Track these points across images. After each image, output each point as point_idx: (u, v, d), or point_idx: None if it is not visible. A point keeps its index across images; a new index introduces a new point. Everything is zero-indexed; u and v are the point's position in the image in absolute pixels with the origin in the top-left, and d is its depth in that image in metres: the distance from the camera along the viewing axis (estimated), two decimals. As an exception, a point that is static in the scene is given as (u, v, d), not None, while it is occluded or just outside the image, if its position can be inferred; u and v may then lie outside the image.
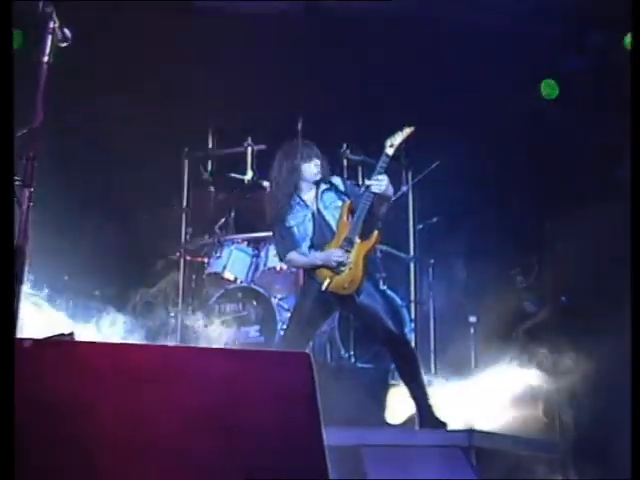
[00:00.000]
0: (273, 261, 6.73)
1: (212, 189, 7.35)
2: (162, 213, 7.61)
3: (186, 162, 7.47)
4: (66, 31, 3.41)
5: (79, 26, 3.49)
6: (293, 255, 5.28)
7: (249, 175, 7.16)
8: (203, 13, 7.42)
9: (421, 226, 7.66)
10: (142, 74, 7.29)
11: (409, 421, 5.76)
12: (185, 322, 6.67)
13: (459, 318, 7.42)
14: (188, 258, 7.20)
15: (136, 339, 6.11)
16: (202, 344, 6.17)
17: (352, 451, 4.62)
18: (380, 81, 7.68)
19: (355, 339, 6.35)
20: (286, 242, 5.31)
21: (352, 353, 6.37)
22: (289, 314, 5.73)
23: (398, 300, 6.71)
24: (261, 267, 6.85)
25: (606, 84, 6.87)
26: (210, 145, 7.44)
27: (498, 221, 7.46)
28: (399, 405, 5.89)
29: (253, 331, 6.52)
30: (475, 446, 4.79)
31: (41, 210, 3.30)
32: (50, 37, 3.38)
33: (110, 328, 6.15)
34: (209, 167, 7.44)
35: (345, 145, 7.28)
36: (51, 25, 3.37)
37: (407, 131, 5.23)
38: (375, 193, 5.05)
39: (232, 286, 6.76)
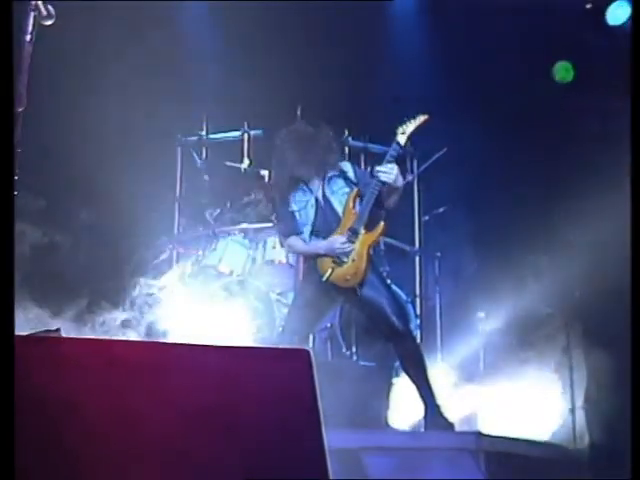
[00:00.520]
0: (271, 253, 6.74)
1: (206, 178, 7.34)
2: (153, 203, 7.60)
3: (179, 149, 7.47)
4: (50, 8, 3.32)
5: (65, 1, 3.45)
6: (294, 240, 5.29)
7: (245, 163, 7.16)
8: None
9: (427, 217, 7.66)
10: (132, 56, 7.29)
11: (414, 423, 5.77)
12: (178, 318, 6.67)
13: (467, 314, 7.42)
14: (181, 250, 7.20)
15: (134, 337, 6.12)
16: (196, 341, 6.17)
17: (354, 454, 4.62)
18: (384, 64, 7.68)
19: (357, 335, 6.36)
20: (287, 226, 5.33)
21: (354, 350, 6.37)
22: (288, 308, 5.74)
23: (403, 295, 6.71)
24: (259, 260, 6.85)
25: (625, 67, 6.84)
26: (204, 131, 7.44)
27: (509, 211, 7.45)
28: (404, 406, 5.90)
29: (251, 327, 6.52)
30: (484, 449, 4.79)
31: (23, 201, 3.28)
32: (32, 14, 3.30)
33: (101, 327, 6.15)
34: (203, 154, 7.43)
35: (346, 131, 7.28)
36: (33, 1, 3.31)
37: (421, 119, 5.23)
38: (384, 182, 5.04)
39: (228, 280, 6.76)
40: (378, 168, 5.10)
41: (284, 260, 6.71)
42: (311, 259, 5.28)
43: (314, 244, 5.22)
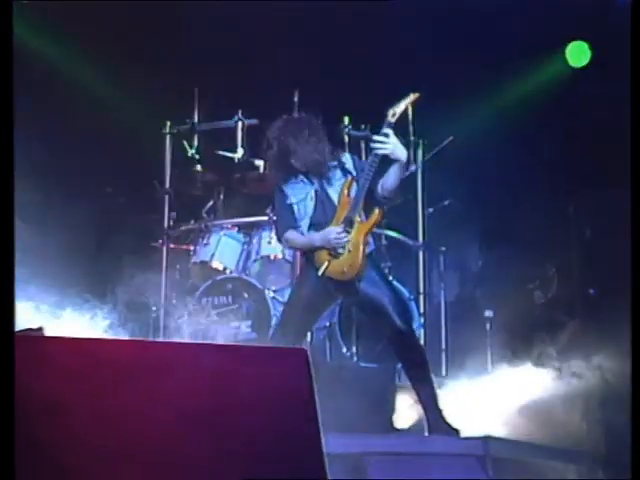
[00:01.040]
0: (267, 249, 6.75)
1: (198, 168, 7.33)
2: (141, 195, 7.61)
3: (168, 138, 7.46)
4: None
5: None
6: (291, 234, 5.30)
7: (240, 153, 7.15)
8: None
9: (431, 210, 7.65)
10: (120, 39, 7.29)
11: (418, 427, 5.78)
12: (168, 317, 6.67)
13: (473, 312, 7.44)
14: (172, 246, 7.19)
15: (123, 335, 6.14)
16: (187, 341, 6.18)
17: (354, 460, 4.64)
18: (387, 47, 7.68)
19: (357, 335, 6.37)
20: (285, 220, 5.33)
21: (354, 351, 6.39)
22: (284, 306, 5.75)
23: (405, 292, 6.72)
24: (253, 256, 6.86)
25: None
26: (196, 119, 7.43)
27: (519, 203, 7.46)
28: (406, 409, 5.91)
29: (244, 326, 6.53)
30: (492, 455, 4.81)
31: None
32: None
33: (89, 324, 6.16)
34: (194, 143, 7.42)
35: (347, 119, 7.27)
36: None
37: (411, 97, 5.20)
38: (379, 157, 5.00)
39: (221, 277, 6.77)
40: (374, 138, 5.08)
41: (280, 255, 6.72)
42: (309, 253, 5.29)
43: (309, 237, 5.22)
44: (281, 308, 6.19)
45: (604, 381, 6.00)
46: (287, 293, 6.30)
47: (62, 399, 2.16)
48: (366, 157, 7.08)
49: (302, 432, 2.18)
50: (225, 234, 6.97)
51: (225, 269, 6.85)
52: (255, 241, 6.91)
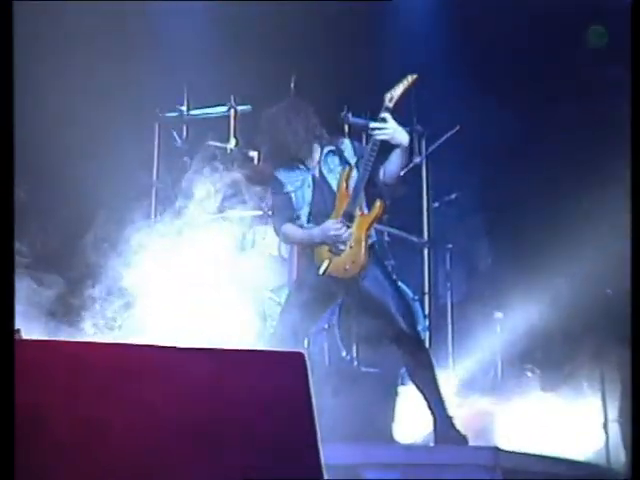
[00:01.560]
0: (261, 245, 6.73)
1: (187, 159, 7.32)
2: (127, 187, 7.58)
3: (156, 126, 7.44)
4: None
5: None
6: (289, 228, 5.29)
7: (232, 143, 7.13)
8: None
9: (437, 204, 7.65)
10: (105, 21, 7.27)
11: (423, 436, 5.77)
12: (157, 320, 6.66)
13: (482, 314, 7.42)
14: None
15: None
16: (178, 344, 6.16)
17: (355, 471, 4.62)
18: (390, 29, 7.67)
19: (358, 338, 6.35)
20: (282, 212, 5.33)
21: (354, 355, 6.37)
22: (281, 307, 5.73)
23: (409, 292, 6.72)
24: (247, 253, 6.84)
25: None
26: (185, 106, 7.41)
27: (530, 197, 7.44)
28: (411, 417, 5.90)
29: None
30: (502, 466, 4.79)
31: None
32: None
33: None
34: (184, 133, 7.40)
35: (346, 107, 7.26)
36: None
37: (409, 80, 5.18)
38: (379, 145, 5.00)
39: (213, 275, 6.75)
40: (371, 125, 5.07)
41: (276, 252, 6.71)
42: (308, 249, 5.29)
43: (308, 232, 5.22)
44: (277, 309, 6.18)
45: (626, 388, 5.98)
46: (283, 292, 6.30)
47: (41, 407, 2.15)
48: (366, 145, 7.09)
49: (299, 438, 2.22)
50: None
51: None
52: (249, 236, 6.89)
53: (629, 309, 4.87)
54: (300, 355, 2.33)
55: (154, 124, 7.43)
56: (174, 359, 2.32)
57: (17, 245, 6.27)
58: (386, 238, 7.00)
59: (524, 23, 7.26)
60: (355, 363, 6.37)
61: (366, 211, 5.16)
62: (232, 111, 7.19)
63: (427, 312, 7.19)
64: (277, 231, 5.45)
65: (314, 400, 2.29)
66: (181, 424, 2.18)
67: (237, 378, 2.25)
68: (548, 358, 6.68)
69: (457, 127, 7.29)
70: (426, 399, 5.12)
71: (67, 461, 2.13)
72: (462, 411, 5.82)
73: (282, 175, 5.32)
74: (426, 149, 7.61)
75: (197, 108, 7.44)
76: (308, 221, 5.24)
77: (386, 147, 5.08)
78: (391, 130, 5.00)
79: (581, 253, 6.76)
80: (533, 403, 6.47)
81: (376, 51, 7.70)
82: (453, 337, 7.33)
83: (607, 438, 5.89)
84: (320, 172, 5.29)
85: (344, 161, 5.27)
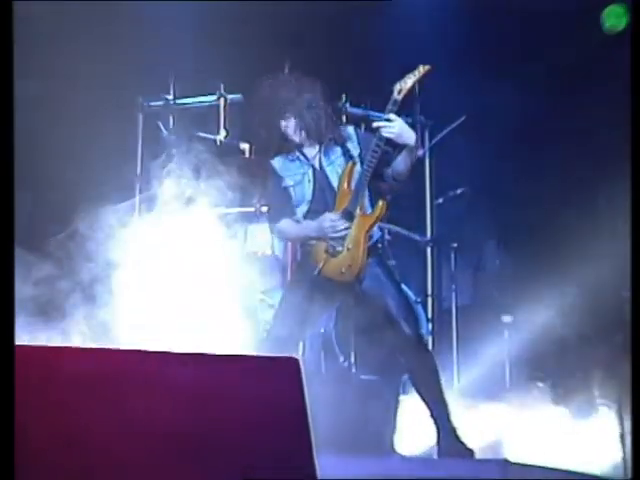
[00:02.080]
0: (253, 244, 6.73)
1: (174, 152, 7.31)
2: (108, 182, 7.57)
3: (140, 116, 7.43)
4: None
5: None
6: (285, 224, 5.27)
7: (222, 134, 7.13)
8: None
9: (441, 200, 7.65)
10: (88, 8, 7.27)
11: (426, 448, 5.77)
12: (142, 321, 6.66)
13: (489, 318, 7.42)
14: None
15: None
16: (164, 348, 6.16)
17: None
18: (387, 16, 7.68)
19: (357, 343, 6.35)
20: (280, 206, 5.31)
21: (353, 361, 6.37)
22: (274, 310, 5.72)
23: (411, 294, 6.71)
24: (238, 252, 6.83)
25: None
26: (171, 94, 7.40)
27: (540, 193, 7.44)
28: (413, 427, 5.90)
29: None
30: (510, 480, 4.79)
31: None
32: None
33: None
34: (170, 123, 7.40)
35: (344, 96, 7.27)
36: None
37: (421, 71, 5.17)
38: (385, 142, 4.98)
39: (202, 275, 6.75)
40: (375, 125, 5.05)
41: (269, 251, 6.70)
42: (304, 247, 5.28)
43: (304, 226, 5.20)
44: (270, 311, 6.17)
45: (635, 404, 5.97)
46: (276, 294, 6.29)
47: (19, 412, 2.15)
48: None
49: (293, 447, 2.24)
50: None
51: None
52: (240, 235, 6.89)
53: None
54: (294, 361, 2.34)
55: (137, 114, 7.41)
56: (161, 365, 2.32)
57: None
58: (386, 236, 6.99)
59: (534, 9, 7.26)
60: (353, 370, 6.37)
61: (369, 210, 5.14)
62: (222, 100, 7.18)
63: (430, 316, 7.20)
64: (272, 228, 5.43)
65: (309, 409, 2.29)
66: (167, 432, 2.19)
67: (227, 384, 2.27)
68: (560, 366, 6.67)
69: (463, 117, 7.28)
70: (429, 408, 5.11)
71: (47, 469, 2.13)
72: (468, 422, 5.81)
73: (280, 167, 5.29)
74: (429, 141, 7.62)
75: (184, 97, 7.43)
76: (305, 218, 5.22)
77: (391, 144, 5.07)
78: (397, 129, 4.99)
79: (597, 253, 6.75)
80: (544, 413, 6.47)
81: (374, 39, 7.70)
82: (458, 343, 7.34)
83: (624, 451, 5.89)
84: (320, 165, 5.25)
85: (346, 151, 5.24)
